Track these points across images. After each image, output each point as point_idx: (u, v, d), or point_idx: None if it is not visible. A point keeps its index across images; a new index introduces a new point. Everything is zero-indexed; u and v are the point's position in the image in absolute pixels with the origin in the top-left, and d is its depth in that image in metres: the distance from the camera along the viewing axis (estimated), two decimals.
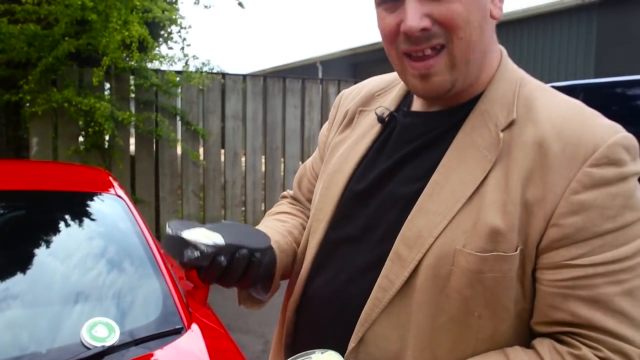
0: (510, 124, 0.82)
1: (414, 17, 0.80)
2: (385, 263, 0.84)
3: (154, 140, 5.71)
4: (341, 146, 1.02)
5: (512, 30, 10.03)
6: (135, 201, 5.54)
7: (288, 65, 17.50)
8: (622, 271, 0.76)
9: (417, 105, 0.95)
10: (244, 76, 6.38)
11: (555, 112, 0.82)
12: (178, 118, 5.80)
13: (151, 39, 4.94)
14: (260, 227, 1.08)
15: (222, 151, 6.21)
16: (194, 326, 1.72)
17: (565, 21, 9.39)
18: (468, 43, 0.82)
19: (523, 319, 0.82)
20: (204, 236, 0.83)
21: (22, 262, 1.77)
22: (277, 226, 1.08)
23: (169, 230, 0.83)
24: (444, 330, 0.80)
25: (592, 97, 4.92)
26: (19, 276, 1.72)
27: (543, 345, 0.79)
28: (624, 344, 0.75)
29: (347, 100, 1.11)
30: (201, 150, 6.02)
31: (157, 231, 5.79)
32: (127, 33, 4.53)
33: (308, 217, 1.11)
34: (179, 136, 5.85)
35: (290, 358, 0.82)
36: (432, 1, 0.80)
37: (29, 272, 1.74)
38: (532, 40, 9.91)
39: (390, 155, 0.92)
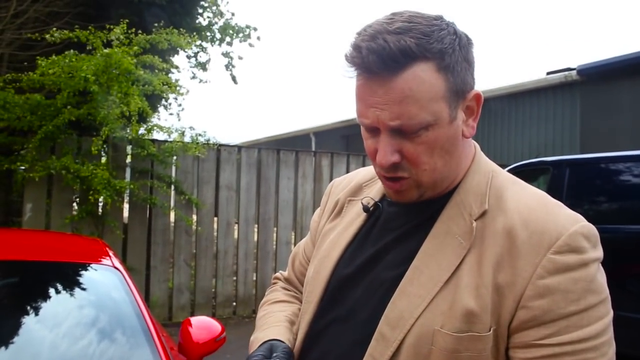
0: (483, 214, 0.91)
1: (385, 154, 0.89)
2: (371, 342, 0.90)
3: (148, 209, 5.75)
4: (331, 233, 1.12)
5: (501, 104, 10.37)
6: (128, 269, 5.49)
7: (282, 135, 17.83)
8: (588, 350, 0.82)
9: None
10: (239, 147, 6.52)
11: (522, 203, 0.91)
12: (172, 187, 5.86)
13: (150, 109, 5.09)
14: (266, 320, 1.15)
15: (215, 220, 6.24)
16: None
17: (550, 97, 9.75)
18: (433, 171, 0.92)
19: None
20: None
21: (17, 332, 1.77)
22: (280, 319, 1.14)
23: None
24: None
25: (578, 171, 5.06)
26: (13, 346, 1.72)
27: None
28: None
29: (337, 189, 1.21)
30: (194, 219, 6.05)
31: (146, 300, 5.72)
32: (125, 108, 4.67)
33: (300, 301, 1.17)
34: (173, 205, 5.90)
35: None
36: (403, 138, 0.89)
37: (23, 342, 1.74)
38: (520, 114, 10.24)
39: (376, 242, 1.01)
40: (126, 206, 5.77)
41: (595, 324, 0.82)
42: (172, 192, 5.94)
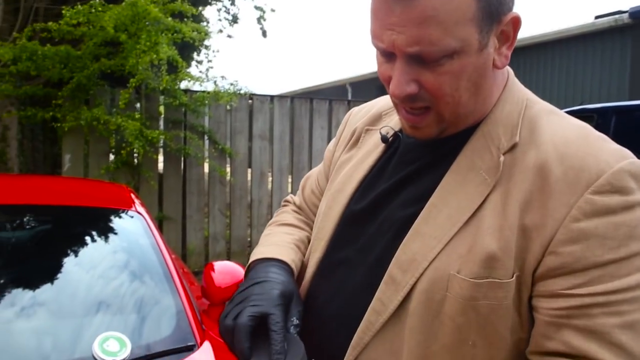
0: (513, 147, 0.81)
1: (399, 84, 0.78)
2: (380, 286, 0.83)
3: (182, 159, 5.80)
4: (346, 165, 1.02)
5: (544, 52, 9.93)
6: (162, 218, 5.61)
7: (317, 86, 17.64)
8: (624, 302, 0.72)
9: None
10: (272, 97, 6.46)
11: (559, 134, 0.80)
12: (206, 137, 5.88)
13: (181, 59, 5.04)
14: (271, 239, 1.08)
15: (249, 171, 6.27)
16: (206, 344, 1.71)
17: (598, 43, 9.27)
18: (457, 104, 0.80)
19: (521, 349, 0.79)
20: None
21: (40, 276, 1.81)
22: (286, 241, 1.07)
23: None
24: (437, 358, 0.78)
25: (625, 119, 4.81)
26: (35, 288, 1.75)
27: None
28: None
29: (355, 118, 1.11)
30: (228, 169, 6.08)
31: (183, 248, 5.84)
32: (154, 56, 4.64)
33: (311, 228, 1.11)
34: (206, 155, 5.94)
35: None
36: (422, 67, 0.77)
37: (45, 285, 1.78)
38: (565, 62, 9.79)
39: (391, 177, 0.92)
40: (161, 158, 5.84)
41: (635, 274, 0.73)
42: (206, 143, 5.96)
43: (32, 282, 1.74)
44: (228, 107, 5.79)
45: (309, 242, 1.09)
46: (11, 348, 1.54)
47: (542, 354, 0.76)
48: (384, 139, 0.96)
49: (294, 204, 1.25)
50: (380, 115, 1.04)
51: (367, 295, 0.84)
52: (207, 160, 5.87)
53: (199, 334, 1.73)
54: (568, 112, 4.12)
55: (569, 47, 9.68)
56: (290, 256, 1.00)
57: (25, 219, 2.07)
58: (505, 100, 0.85)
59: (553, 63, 9.92)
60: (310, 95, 7.72)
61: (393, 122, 0.99)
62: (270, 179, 6.42)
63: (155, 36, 4.67)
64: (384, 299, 0.81)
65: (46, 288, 1.76)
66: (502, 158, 0.80)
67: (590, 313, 0.72)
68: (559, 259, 0.74)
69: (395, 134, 0.96)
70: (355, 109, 1.15)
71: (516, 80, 0.89)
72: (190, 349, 1.65)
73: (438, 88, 0.78)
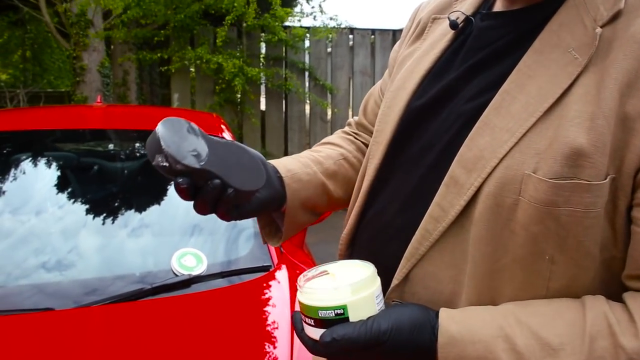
0: (615, 17, 0.64)
1: None
2: (440, 189, 0.70)
3: (284, 97, 5.86)
4: (408, 60, 0.88)
5: None
6: (265, 155, 5.76)
7: None
8: None
9: (499, 5, 0.78)
10: (373, 31, 6.26)
11: None
12: (306, 74, 5.87)
13: None
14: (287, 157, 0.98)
15: (350, 107, 6.21)
16: (283, 266, 1.73)
17: None
18: None
19: (613, 270, 0.65)
20: (182, 150, 0.69)
21: (130, 196, 1.91)
22: (303, 155, 0.95)
23: (157, 128, 0.70)
24: (507, 274, 0.66)
25: None
26: (124, 208, 1.86)
27: (636, 300, 0.62)
28: None
29: (423, 11, 0.94)
30: (329, 105, 6.07)
31: None
32: None
33: (358, 147, 1.02)
34: (307, 91, 5.95)
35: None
36: None
37: (133, 204, 1.88)
38: None
39: (460, 66, 0.77)
40: (264, 99, 5.94)
41: None
42: (307, 79, 5.96)
43: (125, 202, 1.86)
44: (329, 48, 5.69)
45: (343, 158, 0.98)
46: (110, 257, 1.67)
47: None
48: (453, 24, 0.81)
49: (354, 123, 1.15)
50: (451, 3, 0.88)
51: (424, 200, 0.72)
52: (307, 96, 5.88)
53: (276, 256, 1.75)
54: None
55: None
56: (290, 167, 0.88)
57: (119, 141, 2.19)
58: None
59: None
60: None
61: (465, 7, 0.83)
62: None
63: None
64: (444, 203, 0.69)
65: (135, 207, 1.86)
66: (598, 30, 0.64)
67: None
68: None
69: (467, 19, 0.80)
70: (424, 2, 0.96)
71: None
72: (266, 269, 1.68)
73: None
